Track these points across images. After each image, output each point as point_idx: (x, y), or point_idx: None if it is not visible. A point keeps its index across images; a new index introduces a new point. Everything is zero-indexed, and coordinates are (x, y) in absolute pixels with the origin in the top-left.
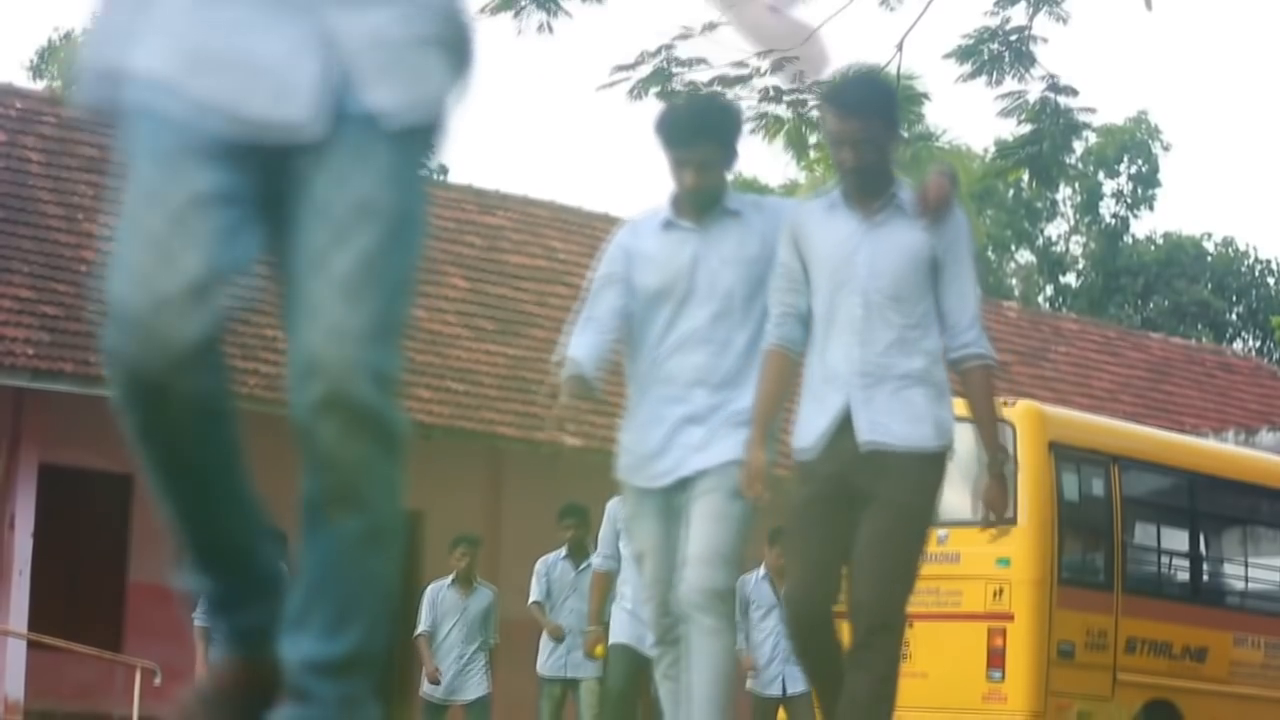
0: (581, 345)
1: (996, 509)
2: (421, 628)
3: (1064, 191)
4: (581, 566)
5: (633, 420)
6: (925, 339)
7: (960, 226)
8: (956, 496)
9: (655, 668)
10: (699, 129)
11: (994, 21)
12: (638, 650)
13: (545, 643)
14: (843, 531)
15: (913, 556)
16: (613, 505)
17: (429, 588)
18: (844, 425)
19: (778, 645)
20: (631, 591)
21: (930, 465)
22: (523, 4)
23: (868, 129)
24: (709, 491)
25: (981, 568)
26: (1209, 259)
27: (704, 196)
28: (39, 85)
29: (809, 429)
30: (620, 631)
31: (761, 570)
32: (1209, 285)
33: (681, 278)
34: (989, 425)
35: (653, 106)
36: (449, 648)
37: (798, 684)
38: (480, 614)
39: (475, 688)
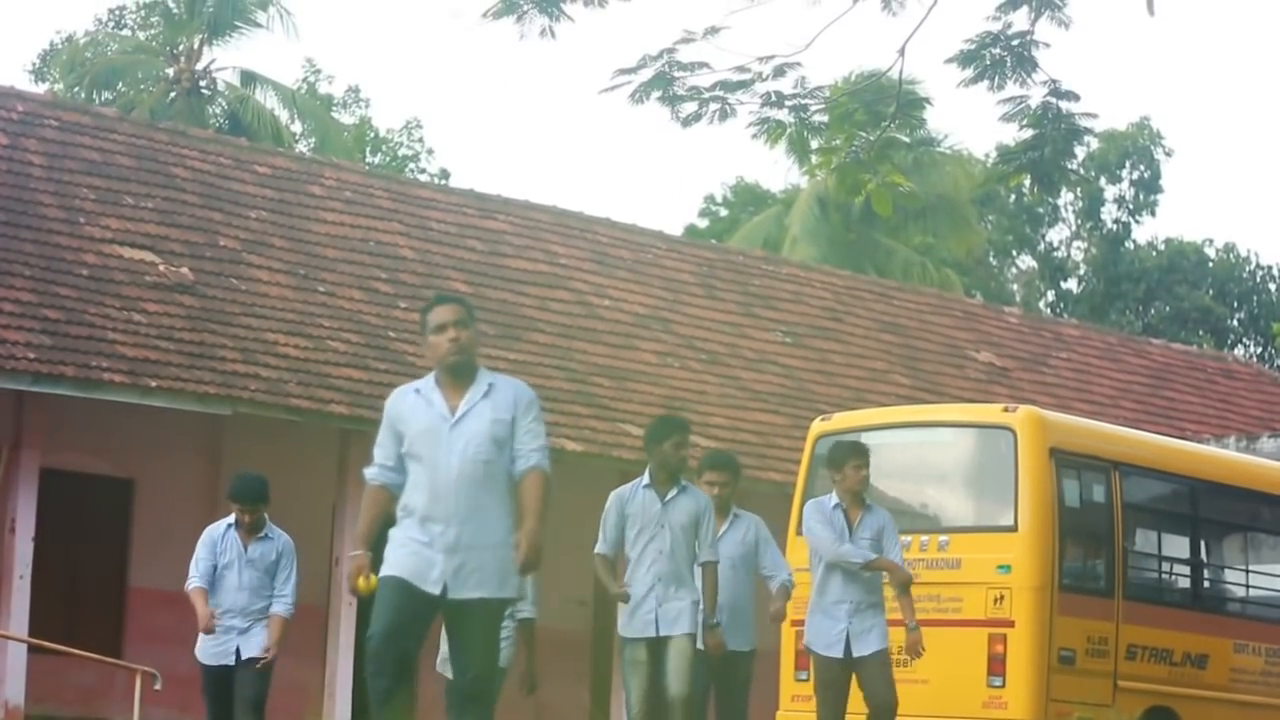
0: None
1: None
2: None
3: (1066, 197)
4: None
5: None
6: None
7: None
8: (957, 501)
9: None
10: None
11: (996, 26)
12: (417, 587)
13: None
14: None
15: None
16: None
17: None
18: None
19: (841, 601)
20: (420, 518)
21: None
22: (525, 8)
23: None
24: None
25: (982, 574)
26: (1210, 265)
27: None
28: (40, 88)
29: None
30: (397, 563)
31: (834, 497)
32: (1210, 291)
33: None
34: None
35: (655, 110)
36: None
37: (865, 646)
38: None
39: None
